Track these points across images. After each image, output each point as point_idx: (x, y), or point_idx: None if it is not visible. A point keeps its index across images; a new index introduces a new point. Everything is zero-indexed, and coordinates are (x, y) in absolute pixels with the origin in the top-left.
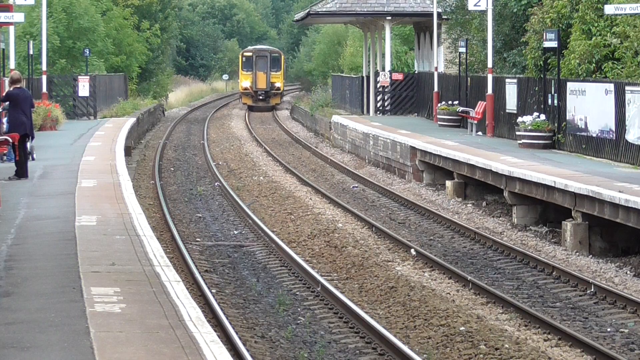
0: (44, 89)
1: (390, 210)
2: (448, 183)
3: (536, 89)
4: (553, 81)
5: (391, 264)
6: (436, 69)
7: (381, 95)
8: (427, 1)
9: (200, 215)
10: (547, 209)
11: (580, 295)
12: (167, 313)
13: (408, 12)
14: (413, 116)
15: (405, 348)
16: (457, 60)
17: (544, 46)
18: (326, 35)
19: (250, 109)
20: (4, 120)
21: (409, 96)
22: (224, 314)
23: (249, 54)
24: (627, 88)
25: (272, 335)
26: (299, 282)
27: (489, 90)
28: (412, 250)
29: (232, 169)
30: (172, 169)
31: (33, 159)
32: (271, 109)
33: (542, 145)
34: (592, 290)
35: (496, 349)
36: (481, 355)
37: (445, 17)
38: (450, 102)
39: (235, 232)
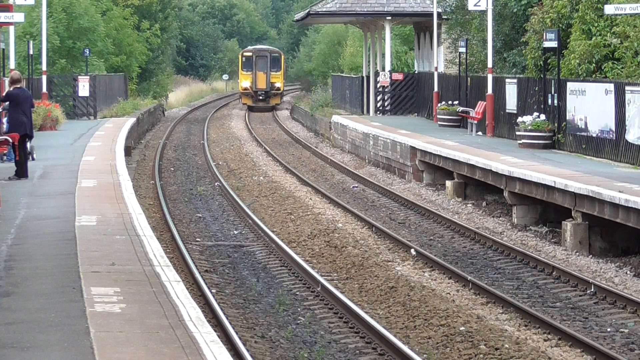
0: (44, 89)
1: (390, 210)
2: (448, 183)
3: (536, 89)
4: (553, 81)
5: (391, 264)
6: (436, 69)
7: (381, 95)
8: (427, 1)
9: (200, 215)
10: (547, 209)
11: (580, 295)
12: (167, 313)
13: (408, 12)
14: (413, 116)
15: (405, 348)
16: (457, 60)
17: (544, 46)
18: (326, 35)
19: (250, 109)
20: (4, 120)
21: (409, 96)
22: (224, 314)
23: (249, 54)
24: (627, 88)
25: (272, 335)
26: (299, 282)
27: (489, 90)
28: (412, 250)
29: (232, 169)
30: (172, 169)
31: (33, 159)
32: (271, 109)
33: (542, 145)
34: (592, 290)
35: (496, 349)
36: (481, 355)
37: (445, 17)
38: (450, 102)
39: (235, 232)
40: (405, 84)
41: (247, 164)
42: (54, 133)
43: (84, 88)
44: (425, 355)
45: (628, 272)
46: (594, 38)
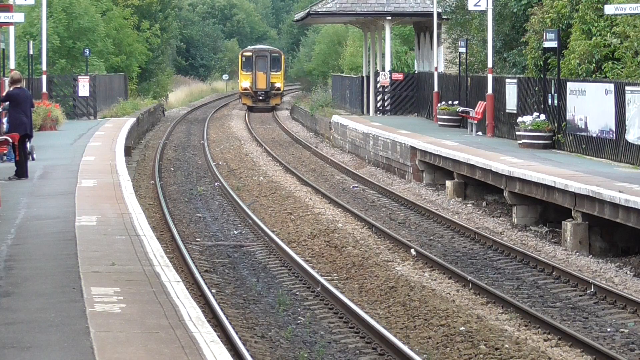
0: (44, 89)
1: (390, 210)
2: (448, 183)
3: (536, 89)
4: (553, 81)
5: (391, 264)
6: (436, 69)
7: (381, 95)
8: (427, 1)
9: (200, 215)
10: (547, 209)
11: (580, 295)
12: (167, 313)
13: (408, 12)
14: (413, 116)
15: (405, 348)
16: (457, 60)
17: (544, 46)
18: (326, 35)
19: (250, 109)
20: (4, 120)
21: (409, 96)
22: (224, 314)
23: (249, 53)
24: (627, 88)
25: (272, 335)
26: (299, 282)
27: (489, 90)
28: (412, 250)
29: (232, 169)
30: (172, 169)
31: (33, 159)
32: (271, 109)
33: (542, 145)
34: (592, 290)
35: (496, 349)
36: (481, 355)
37: (445, 17)
38: (450, 102)
39: (235, 232)
40: (405, 84)
41: (247, 164)
42: (54, 133)
43: (84, 88)
44: (425, 355)
45: (628, 272)
46: (594, 38)
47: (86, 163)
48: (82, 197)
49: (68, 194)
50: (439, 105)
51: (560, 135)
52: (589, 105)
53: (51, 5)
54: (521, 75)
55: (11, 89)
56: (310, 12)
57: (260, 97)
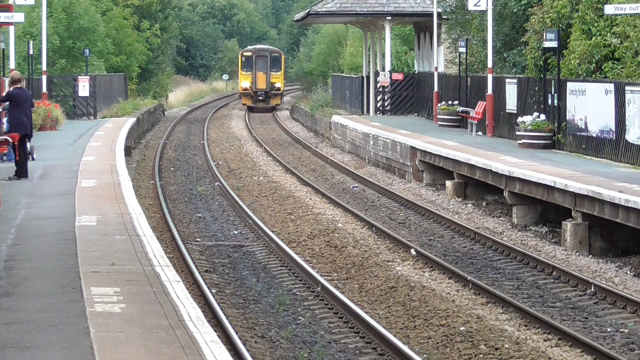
0: (44, 89)
1: (390, 210)
2: (448, 183)
3: (536, 89)
4: (553, 81)
5: (391, 264)
6: (436, 69)
7: (381, 95)
8: (427, 1)
9: (200, 215)
10: (547, 209)
11: (580, 295)
12: (167, 313)
13: (408, 12)
14: (413, 116)
15: (405, 348)
16: (457, 60)
17: (544, 46)
18: (326, 35)
19: (250, 109)
20: (4, 120)
21: (409, 96)
22: (224, 314)
23: (249, 53)
24: (627, 88)
25: (272, 335)
26: (299, 282)
27: (489, 90)
28: (412, 250)
29: (232, 169)
30: (172, 169)
31: (33, 159)
32: (271, 109)
33: (542, 145)
34: (592, 290)
35: (496, 349)
36: (481, 355)
37: (445, 17)
38: (450, 102)
39: (235, 232)
40: (405, 84)
41: (247, 164)
42: (54, 133)
43: (84, 88)
44: (425, 355)
45: (628, 272)
46: (594, 38)
47: (86, 163)
48: (82, 197)
49: (68, 194)
50: (439, 105)
51: (560, 135)
52: (589, 105)
53: (51, 5)
54: (521, 75)
55: (11, 89)
56: (310, 12)
57: (260, 97)
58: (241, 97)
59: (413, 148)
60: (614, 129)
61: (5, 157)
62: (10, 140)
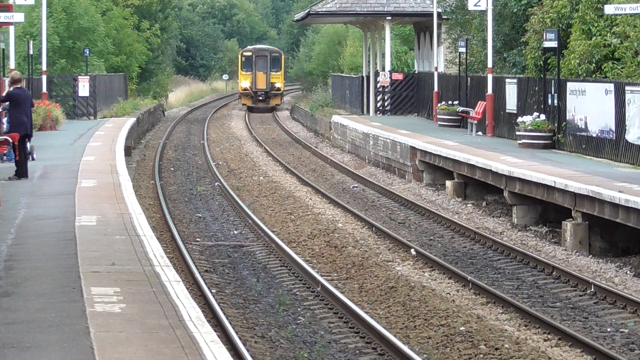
0: (44, 89)
1: (390, 210)
2: (448, 183)
3: (536, 89)
4: (553, 81)
5: (391, 264)
6: (436, 69)
7: (381, 95)
8: (427, 1)
9: (200, 215)
10: (547, 209)
11: (580, 295)
12: (167, 313)
13: (408, 12)
14: (413, 116)
15: (405, 348)
16: (457, 60)
17: (544, 46)
18: (326, 35)
19: (250, 109)
20: (4, 120)
21: (409, 96)
22: (224, 314)
23: (249, 53)
24: (627, 88)
25: (272, 335)
26: (299, 282)
27: (489, 90)
28: (412, 250)
29: (232, 169)
30: (172, 169)
31: (33, 159)
32: (271, 109)
33: (542, 145)
34: (592, 290)
35: (496, 349)
36: (481, 355)
37: (445, 17)
38: (450, 102)
39: (235, 232)
40: (405, 84)
41: (247, 164)
42: (54, 133)
43: (84, 88)
44: (425, 355)
45: (628, 272)
46: (594, 38)
47: (86, 163)
48: (82, 197)
49: (68, 194)
50: (439, 105)
51: (560, 135)
52: (589, 105)
53: (51, 5)
54: (521, 75)
55: (11, 89)
56: (310, 12)
57: (260, 98)
58: (241, 97)
59: (413, 148)
60: (614, 129)
61: (5, 157)
62: (10, 140)
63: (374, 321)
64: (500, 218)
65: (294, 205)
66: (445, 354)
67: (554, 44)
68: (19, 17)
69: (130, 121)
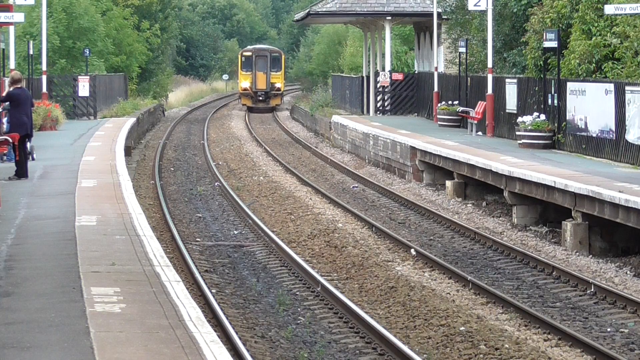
0: (44, 89)
1: (390, 210)
2: (448, 183)
3: (536, 89)
4: (553, 81)
5: (391, 264)
6: (436, 69)
7: (381, 95)
8: (427, 1)
9: (200, 215)
10: (547, 209)
11: (580, 295)
12: (167, 313)
13: (408, 12)
14: (413, 116)
15: (405, 348)
16: (457, 60)
17: (544, 46)
18: (326, 35)
19: (250, 109)
20: (4, 120)
21: (409, 96)
22: (224, 314)
23: (249, 53)
24: (627, 88)
25: (272, 335)
26: (299, 282)
27: (489, 90)
28: (412, 250)
29: (232, 169)
30: (172, 169)
31: (33, 159)
32: (271, 110)
33: (542, 145)
34: (592, 290)
35: (496, 349)
36: (481, 355)
37: (445, 17)
38: (450, 102)
39: (235, 232)
40: (405, 84)
41: (247, 164)
42: (54, 133)
43: (84, 88)
44: (425, 355)
45: (628, 272)
46: (594, 38)
47: (86, 163)
48: (82, 197)
49: (68, 194)
50: (439, 105)
51: (560, 135)
52: (589, 105)
53: (51, 5)
54: (521, 75)
55: (11, 89)
56: (310, 12)
57: (260, 98)
58: (241, 98)
59: (413, 148)
60: (614, 129)
61: (5, 157)
62: (11, 140)
63: (374, 321)
64: (500, 218)
65: (294, 205)
66: (445, 354)
67: (554, 44)
68: (19, 17)
69: (130, 121)
